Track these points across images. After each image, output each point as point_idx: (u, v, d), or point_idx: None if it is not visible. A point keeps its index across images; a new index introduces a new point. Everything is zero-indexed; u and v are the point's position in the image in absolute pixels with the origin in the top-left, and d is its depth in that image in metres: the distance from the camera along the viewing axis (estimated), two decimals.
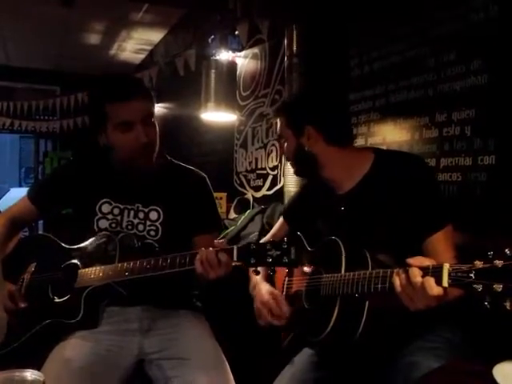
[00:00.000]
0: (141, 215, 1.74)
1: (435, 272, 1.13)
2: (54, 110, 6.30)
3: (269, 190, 3.40)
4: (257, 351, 2.07)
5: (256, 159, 3.60)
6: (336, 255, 1.46)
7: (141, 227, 1.73)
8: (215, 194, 1.96)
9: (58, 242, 1.78)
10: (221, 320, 1.82)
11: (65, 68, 6.68)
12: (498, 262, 1.00)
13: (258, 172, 3.57)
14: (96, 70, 5.71)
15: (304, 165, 1.68)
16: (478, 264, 1.03)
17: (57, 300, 1.66)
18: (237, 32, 3.35)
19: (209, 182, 1.88)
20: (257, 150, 3.59)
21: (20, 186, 11.31)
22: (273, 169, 3.37)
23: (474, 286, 1.02)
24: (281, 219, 1.96)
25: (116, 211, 1.74)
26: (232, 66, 3.50)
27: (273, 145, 3.37)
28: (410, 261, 1.20)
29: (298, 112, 1.67)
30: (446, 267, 1.10)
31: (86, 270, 1.63)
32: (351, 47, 2.60)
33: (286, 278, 1.73)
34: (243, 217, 3.11)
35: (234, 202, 3.61)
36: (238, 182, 3.84)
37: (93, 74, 5.94)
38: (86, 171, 1.82)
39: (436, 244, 1.44)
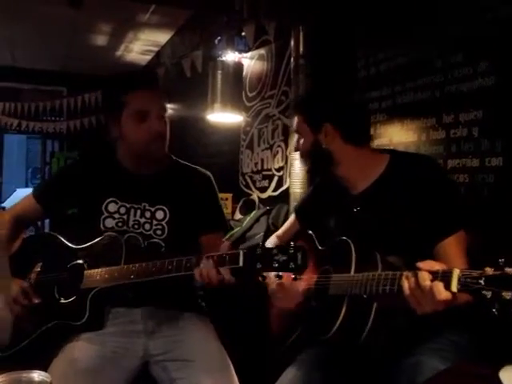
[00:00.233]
0: (147, 214, 1.75)
1: (444, 277, 1.12)
2: (60, 110, 6.35)
3: (274, 191, 3.40)
4: (261, 353, 2.06)
5: (262, 160, 3.59)
6: (346, 256, 1.46)
7: (147, 226, 1.74)
8: (221, 195, 1.96)
9: (63, 241, 1.78)
10: (226, 322, 1.82)
11: (72, 69, 6.71)
12: (509, 270, 0.99)
13: (263, 173, 3.57)
14: (103, 71, 5.73)
15: (319, 162, 1.67)
16: (489, 271, 1.02)
17: (63, 301, 1.66)
18: (243, 33, 3.35)
19: (214, 181, 1.88)
20: (263, 151, 3.59)
21: (26, 186, 11.34)
22: (278, 170, 3.36)
23: (483, 292, 1.01)
24: (293, 216, 1.96)
25: (122, 210, 1.74)
26: (238, 67, 3.50)
27: (279, 146, 3.37)
28: (420, 264, 1.20)
29: (317, 108, 1.66)
30: (456, 272, 1.09)
31: (92, 271, 1.63)
32: (358, 48, 2.59)
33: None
34: (249, 218, 3.11)
35: (240, 203, 3.61)
36: (244, 183, 3.83)
37: (100, 75, 5.96)
38: (92, 170, 1.82)
39: (447, 249, 1.43)
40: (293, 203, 2.75)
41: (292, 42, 2.86)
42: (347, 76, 2.66)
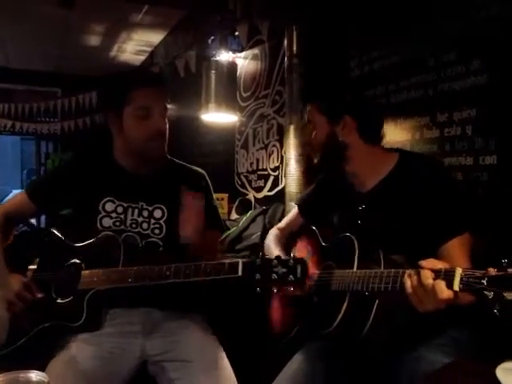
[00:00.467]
0: (145, 213, 1.75)
1: (447, 276, 1.13)
2: (54, 111, 6.32)
3: (270, 190, 3.40)
4: (259, 354, 2.07)
5: (257, 160, 3.60)
6: (349, 252, 1.47)
7: (145, 225, 1.74)
8: (217, 195, 1.97)
9: (61, 238, 1.77)
10: (223, 322, 1.82)
11: (65, 70, 6.68)
12: None
13: (259, 173, 3.57)
14: (96, 72, 5.71)
15: (332, 155, 1.63)
16: (492, 271, 1.03)
17: (59, 301, 1.66)
18: (237, 33, 3.35)
19: (208, 178, 1.90)
20: (258, 150, 3.59)
21: (22, 187, 11.30)
22: (274, 169, 3.37)
23: (485, 292, 1.02)
24: (295, 210, 1.94)
25: (120, 209, 1.75)
26: (232, 66, 3.50)
27: (274, 145, 3.37)
28: (423, 263, 1.20)
29: (339, 99, 1.64)
30: (459, 272, 1.10)
31: (90, 271, 1.63)
32: (351, 47, 2.60)
33: None
34: (245, 218, 3.11)
35: (236, 203, 3.61)
36: (240, 182, 3.84)
37: (93, 76, 5.95)
38: (88, 169, 1.82)
39: (451, 250, 1.43)
40: (289, 203, 2.76)
41: (285, 42, 2.86)
42: (341, 75, 2.67)
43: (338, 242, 1.56)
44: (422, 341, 1.43)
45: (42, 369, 1.38)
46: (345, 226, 1.60)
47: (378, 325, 1.37)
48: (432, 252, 1.41)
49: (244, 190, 3.75)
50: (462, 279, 1.09)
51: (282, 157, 3.24)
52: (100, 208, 1.74)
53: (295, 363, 1.58)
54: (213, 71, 3.37)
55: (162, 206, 1.75)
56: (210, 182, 1.90)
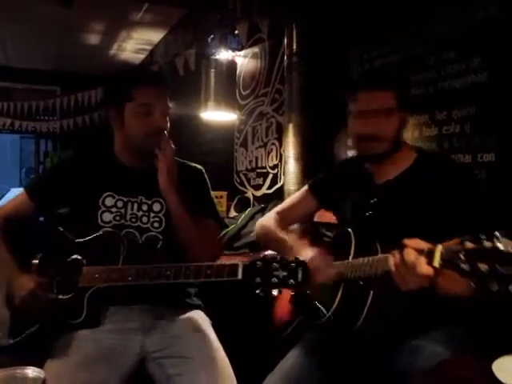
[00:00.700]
0: (144, 207, 1.76)
1: (429, 253, 1.15)
2: (54, 110, 6.32)
3: (269, 188, 3.41)
4: (259, 349, 2.07)
5: (256, 158, 3.61)
6: (346, 245, 1.48)
7: (145, 219, 1.75)
8: (216, 193, 1.97)
9: (64, 233, 1.75)
10: (222, 318, 1.83)
11: (65, 68, 6.69)
12: (487, 244, 1.01)
13: (258, 171, 3.58)
14: (96, 70, 5.72)
15: (394, 145, 1.56)
16: (469, 245, 1.05)
17: (60, 297, 1.66)
18: (236, 31, 3.36)
19: (205, 174, 1.90)
20: (257, 148, 3.60)
21: (21, 186, 11.29)
22: (273, 167, 3.37)
23: (462, 265, 1.04)
24: (303, 191, 1.87)
25: (120, 204, 1.75)
26: (232, 65, 3.51)
27: (273, 144, 3.38)
28: (407, 242, 1.22)
29: (408, 84, 1.60)
30: (439, 248, 1.12)
31: (90, 268, 1.63)
32: (351, 46, 2.61)
33: None
34: (243, 215, 3.12)
35: (235, 201, 3.62)
36: (239, 180, 3.84)
37: (93, 74, 5.95)
38: (87, 165, 1.82)
39: None
40: None
41: (285, 40, 2.87)
42: (341, 73, 2.68)
43: (337, 236, 1.57)
44: (418, 334, 1.43)
45: (40, 365, 1.39)
46: (355, 213, 1.59)
47: (372, 316, 1.38)
48: None
49: (243, 188, 3.76)
50: (441, 255, 1.11)
51: (280, 155, 3.24)
52: (100, 203, 1.74)
53: (291, 356, 1.58)
54: (212, 70, 3.38)
55: (161, 200, 1.76)
56: (207, 178, 1.91)
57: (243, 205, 3.52)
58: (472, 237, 1.05)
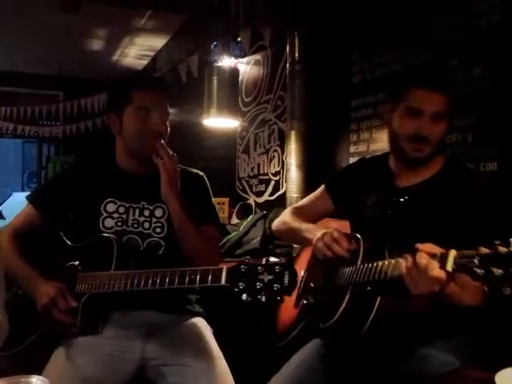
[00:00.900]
0: (146, 213, 1.76)
1: (442, 257, 1.14)
2: (57, 115, 6.35)
3: (271, 195, 3.41)
4: (259, 358, 2.07)
5: (258, 165, 3.61)
6: (355, 251, 1.46)
7: (146, 225, 1.75)
8: (218, 200, 1.97)
9: (63, 238, 1.76)
10: (223, 325, 1.82)
11: (68, 73, 6.72)
12: (502, 249, 1.01)
13: (260, 177, 3.58)
14: (99, 76, 5.75)
15: (435, 151, 1.51)
16: (483, 250, 1.04)
17: None
18: (239, 38, 3.37)
19: (207, 180, 1.90)
20: (259, 155, 3.60)
21: (23, 190, 11.33)
22: (275, 174, 3.37)
23: (475, 269, 1.04)
24: (320, 189, 1.84)
25: (121, 210, 1.75)
26: (234, 72, 3.52)
27: (275, 150, 3.38)
28: (419, 246, 1.21)
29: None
30: (453, 252, 1.11)
31: (85, 274, 1.63)
32: (353, 53, 2.61)
33: (303, 271, 1.73)
34: (245, 222, 3.11)
35: (237, 208, 3.61)
36: (241, 187, 3.84)
37: (96, 80, 5.98)
38: (89, 172, 1.83)
39: None
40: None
41: (288, 48, 2.88)
42: (342, 81, 2.68)
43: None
44: (424, 345, 1.42)
45: (39, 372, 1.39)
46: (373, 216, 1.57)
47: (379, 322, 1.37)
48: None
49: (245, 195, 3.76)
50: (455, 259, 1.10)
51: (282, 162, 3.25)
52: (102, 209, 1.75)
53: (296, 361, 1.57)
54: (215, 76, 3.39)
55: (163, 205, 1.76)
56: (209, 185, 1.91)
57: (245, 211, 3.52)
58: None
